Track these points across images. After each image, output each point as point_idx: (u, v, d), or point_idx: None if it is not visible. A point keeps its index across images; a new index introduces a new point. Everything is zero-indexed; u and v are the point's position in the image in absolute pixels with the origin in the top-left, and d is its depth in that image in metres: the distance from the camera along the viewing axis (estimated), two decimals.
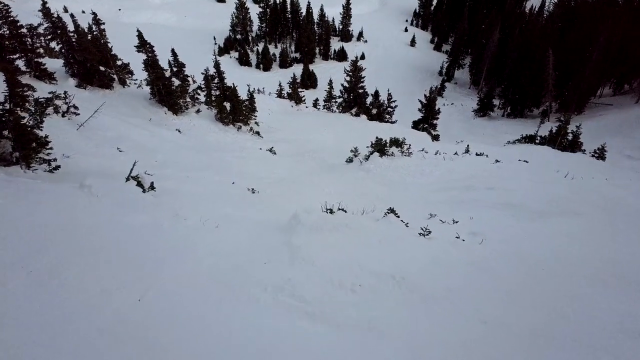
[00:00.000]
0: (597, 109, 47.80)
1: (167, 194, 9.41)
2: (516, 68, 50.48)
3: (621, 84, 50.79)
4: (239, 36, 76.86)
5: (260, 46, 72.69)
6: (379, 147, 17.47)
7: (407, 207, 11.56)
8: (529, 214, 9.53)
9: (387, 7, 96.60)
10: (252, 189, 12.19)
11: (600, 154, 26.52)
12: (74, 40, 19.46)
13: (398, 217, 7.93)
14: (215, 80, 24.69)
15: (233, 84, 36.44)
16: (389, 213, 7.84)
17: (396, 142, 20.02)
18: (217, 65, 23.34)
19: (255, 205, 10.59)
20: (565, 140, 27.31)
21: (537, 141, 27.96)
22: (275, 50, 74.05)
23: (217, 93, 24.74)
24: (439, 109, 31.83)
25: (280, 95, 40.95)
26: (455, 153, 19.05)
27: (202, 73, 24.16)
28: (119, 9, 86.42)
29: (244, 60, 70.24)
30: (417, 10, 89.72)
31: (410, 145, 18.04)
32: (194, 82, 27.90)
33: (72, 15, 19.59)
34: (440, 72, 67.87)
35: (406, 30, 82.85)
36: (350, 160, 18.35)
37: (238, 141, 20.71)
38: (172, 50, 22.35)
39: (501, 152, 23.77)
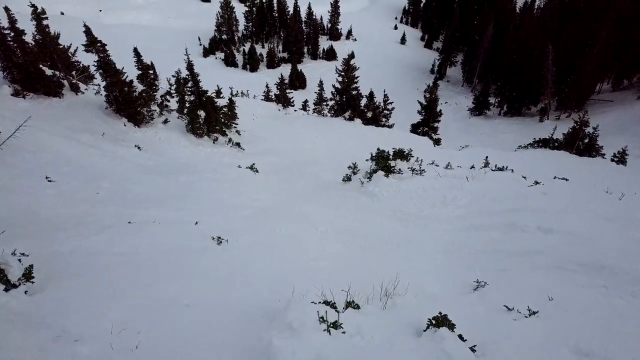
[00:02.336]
0: (597, 105, 44.82)
1: (69, 275, 5.82)
2: (513, 64, 47.26)
3: (620, 80, 47.90)
4: (224, 36, 72.72)
5: (247, 46, 68.72)
6: (384, 165, 13.96)
7: (435, 263, 8.08)
8: (628, 284, 6.12)
9: (376, 5, 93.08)
10: (219, 237, 8.59)
11: (620, 158, 23.45)
12: (9, 38, 15.67)
13: (453, 327, 4.42)
14: (190, 84, 20.93)
15: (219, 85, 32.71)
16: (438, 325, 4.33)
17: (401, 154, 16.52)
18: (190, 66, 19.61)
19: (216, 273, 7.01)
20: (581, 144, 24.10)
21: (551, 145, 24.69)
22: (262, 50, 70.15)
23: (192, 98, 21.03)
24: (440, 110, 28.41)
25: (267, 97, 37.29)
26: (473, 167, 15.62)
27: (173, 76, 20.41)
28: (100, 10, 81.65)
29: (230, 61, 66.24)
30: (407, 8, 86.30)
31: (421, 160, 14.52)
32: (170, 85, 24.15)
33: (6, 9, 15.73)
34: (432, 70, 64.65)
35: (396, 27, 79.40)
36: (348, 179, 14.83)
37: (213, 157, 17.05)
38: (135, 50, 18.60)
39: (519, 160, 20.47)
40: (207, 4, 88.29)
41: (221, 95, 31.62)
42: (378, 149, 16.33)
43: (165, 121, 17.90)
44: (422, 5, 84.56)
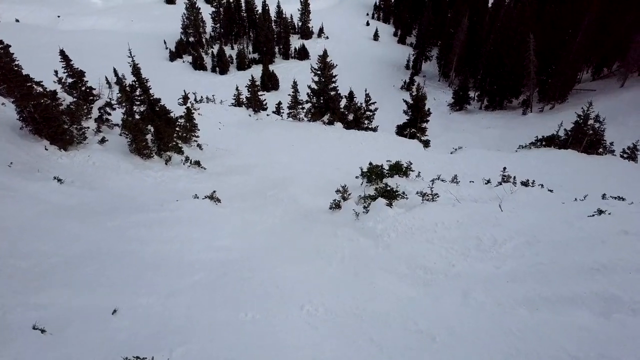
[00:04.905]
0: (580, 95, 42.68)
1: None
2: (492, 56, 44.58)
3: (600, 68, 45.92)
4: (191, 39, 67.88)
5: (216, 48, 64.14)
6: (383, 190, 10.44)
7: None
8: None
9: (346, 2, 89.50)
10: (137, 358, 4.88)
11: (631, 154, 20.77)
12: None
13: None
14: (138, 92, 16.95)
15: (185, 90, 28.68)
16: None
17: (398, 169, 13.13)
18: (136, 70, 15.66)
19: None
20: (587, 141, 21.26)
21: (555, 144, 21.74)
22: (231, 51, 65.66)
23: (143, 109, 17.09)
24: (429, 109, 25.12)
25: (238, 101, 33.26)
26: (488, 181, 12.31)
27: (117, 83, 16.37)
28: (58, 16, 75.13)
29: (198, 64, 61.55)
30: (377, 3, 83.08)
31: (432, 180, 11.07)
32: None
33: None
34: (407, 65, 61.66)
35: (368, 24, 76.09)
36: (337, 206, 11.23)
37: (163, 183, 13.19)
38: (62, 52, 14.50)
39: (528, 165, 17.38)
40: (171, 6, 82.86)
41: (189, 101, 27.56)
42: (370, 164, 12.87)
43: (103, 140, 13.84)
44: (392, 0, 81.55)
